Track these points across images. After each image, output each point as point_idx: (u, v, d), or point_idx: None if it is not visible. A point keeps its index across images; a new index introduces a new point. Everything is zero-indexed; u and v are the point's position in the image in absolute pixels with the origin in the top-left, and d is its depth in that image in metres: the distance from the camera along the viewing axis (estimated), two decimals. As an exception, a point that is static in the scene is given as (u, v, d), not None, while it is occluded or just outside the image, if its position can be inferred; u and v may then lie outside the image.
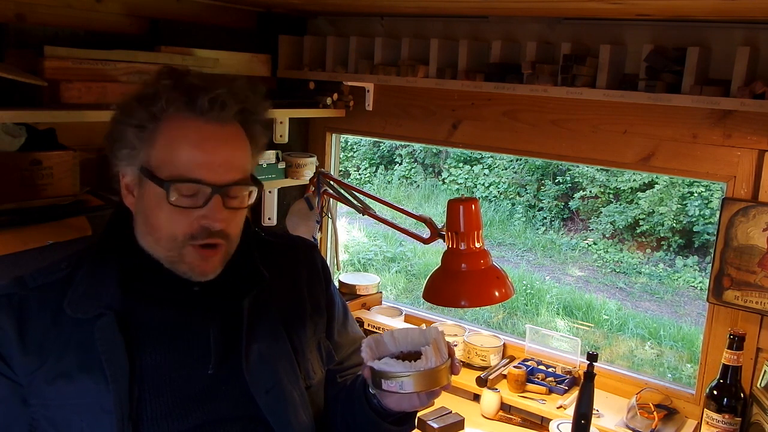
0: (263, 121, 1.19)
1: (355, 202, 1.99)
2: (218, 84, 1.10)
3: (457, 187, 8.83)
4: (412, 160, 9.37)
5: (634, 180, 7.64)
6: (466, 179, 8.84)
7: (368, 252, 7.45)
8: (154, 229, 1.12)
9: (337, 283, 1.93)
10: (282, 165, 2.26)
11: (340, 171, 2.68)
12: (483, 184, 8.72)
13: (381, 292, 2.52)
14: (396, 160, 9.47)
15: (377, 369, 1.10)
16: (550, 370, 2.12)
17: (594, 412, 1.75)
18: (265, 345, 1.18)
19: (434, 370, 1.08)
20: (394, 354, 1.17)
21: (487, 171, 8.75)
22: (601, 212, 7.90)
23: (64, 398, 1.09)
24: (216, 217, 1.09)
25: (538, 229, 8.21)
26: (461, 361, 2.20)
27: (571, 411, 1.78)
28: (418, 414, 1.96)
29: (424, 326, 1.20)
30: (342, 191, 2.02)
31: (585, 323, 6.10)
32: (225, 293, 1.18)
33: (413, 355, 1.15)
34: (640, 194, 7.63)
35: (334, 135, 2.47)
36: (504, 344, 2.24)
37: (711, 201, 7.14)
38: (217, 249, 1.12)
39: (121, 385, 1.07)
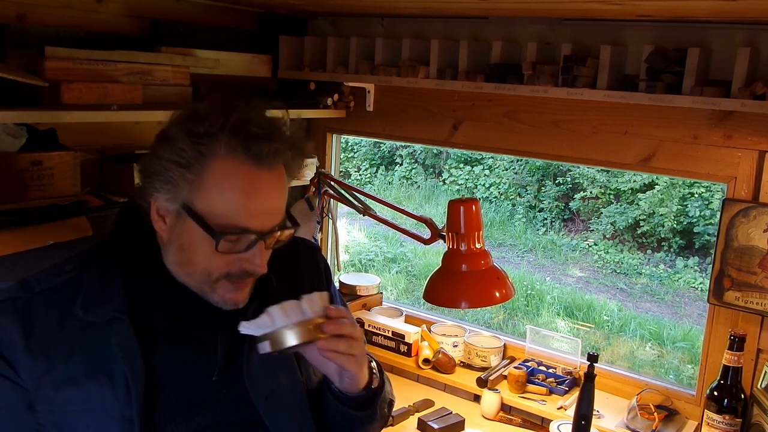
0: (304, 161, 1.17)
1: (356, 202, 1.99)
2: (277, 132, 1.07)
3: (457, 187, 8.83)
4: (413, 160, 9.36)
5: (635, 181, 7.64)
6: (467, 180, 8.84)
7: (369, 253, 7.45)
8: (188, 263, 1.11)
9: (337, 284, 1.93)
10: (282, 165, 2.26)
11: (341, 171, 2.68)
12: (483, 185, 8.72)
13: (381, 293, 2.52)
14: (396, 160, 9.46)
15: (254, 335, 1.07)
16: (550, 370, 2.11)
17: (594, 412, 1.75)
18: None
19: (292, 325, 1.05)
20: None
21: (487, 172, 8.75)
22: (602, 213, 7.90)
23: (71, 404, 1.08)
24: (257, 262, 1.09)
25: (538, 229, 8.21)
26: (461, 362, 2.21)
27: (571, 412, 1.78)
28: (418, 415, 1.96)
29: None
30: (342, 192, 2.02)
31: (585, 324, 6.10)
32: None
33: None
34: (640, 195, 7.63)
35: (334, 135, 2.47)
36: (504, 345, 2.24)
37: (711, 202, 7.14)
38: (249, 281, 1.14)
39: (138, 390, 1.07)
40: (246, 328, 1.07)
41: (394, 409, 1.93)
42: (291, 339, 1.05)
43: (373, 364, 1.23)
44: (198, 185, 1.05)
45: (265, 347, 1.05)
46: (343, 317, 1.10)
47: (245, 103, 1.09)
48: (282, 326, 1.05)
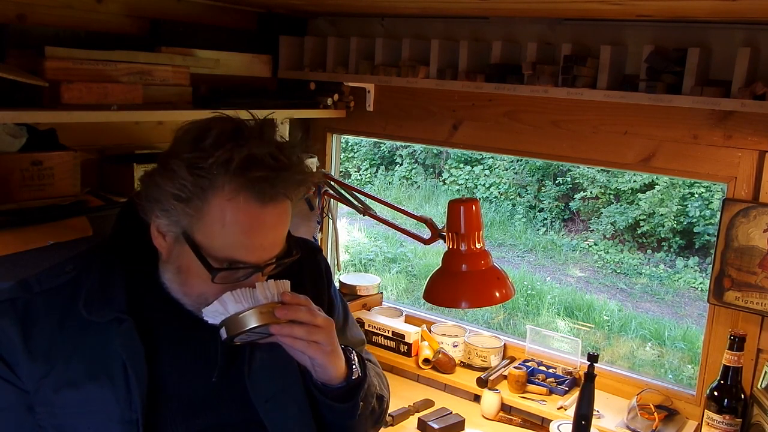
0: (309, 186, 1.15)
1: (356, 202, 1.99)
2: (284, 172, 1.03)
3: (457, 187, 8.83)
4: (413, 160, 9.37)
5: (635, 181, 7.64)
6: (467, 180, 8.84)
7: (369, 253, 7.45)
8: (185, 285, 1.11)
9: (337, 284, 1.93)
10: (282, 165, 2.25)
11: (341, 171, 2.68)
12: (483, 185, 8.72)
13: (381, 293, 2.52)
14: (396, 160, 9.46)
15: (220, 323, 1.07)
16: (550, 370, 2.11)
17: (594, 412, 1.75)
18: (267, 353, 1.18)
19: (245, 312, 1.05)
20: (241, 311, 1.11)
21: (487, 172, 8.75)
22: (602, 213, 7.90)
23: (71, 405, 1.08)
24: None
25: (538, 229, 8.21)
26: (461, 362, 2.21)
27: (571, 412, 1.78)
28: (418, 415, 1.96)
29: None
30: (343, 192, 2.02)
31: (585, 324, 6.10)
32: None
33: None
34: (640, 195, 7.63)
35: (334, 135, 2.47)
36: (504, 345, 2.24)
37: (711, 202, 7.13)
38: None
39: (142, 392, 1.07)
40: (206, 316, 1.08)
41: (394, 409, 1.94)
42: (243, 324, 1.05)
43: (353, 356, 1.21)
44: (198, 219, 1.04)
45: (223, 333, 1.06)
46: (301, 304, 1.09)
47: (254, 138, 1.04)
48: (235, 312, 1.05)
